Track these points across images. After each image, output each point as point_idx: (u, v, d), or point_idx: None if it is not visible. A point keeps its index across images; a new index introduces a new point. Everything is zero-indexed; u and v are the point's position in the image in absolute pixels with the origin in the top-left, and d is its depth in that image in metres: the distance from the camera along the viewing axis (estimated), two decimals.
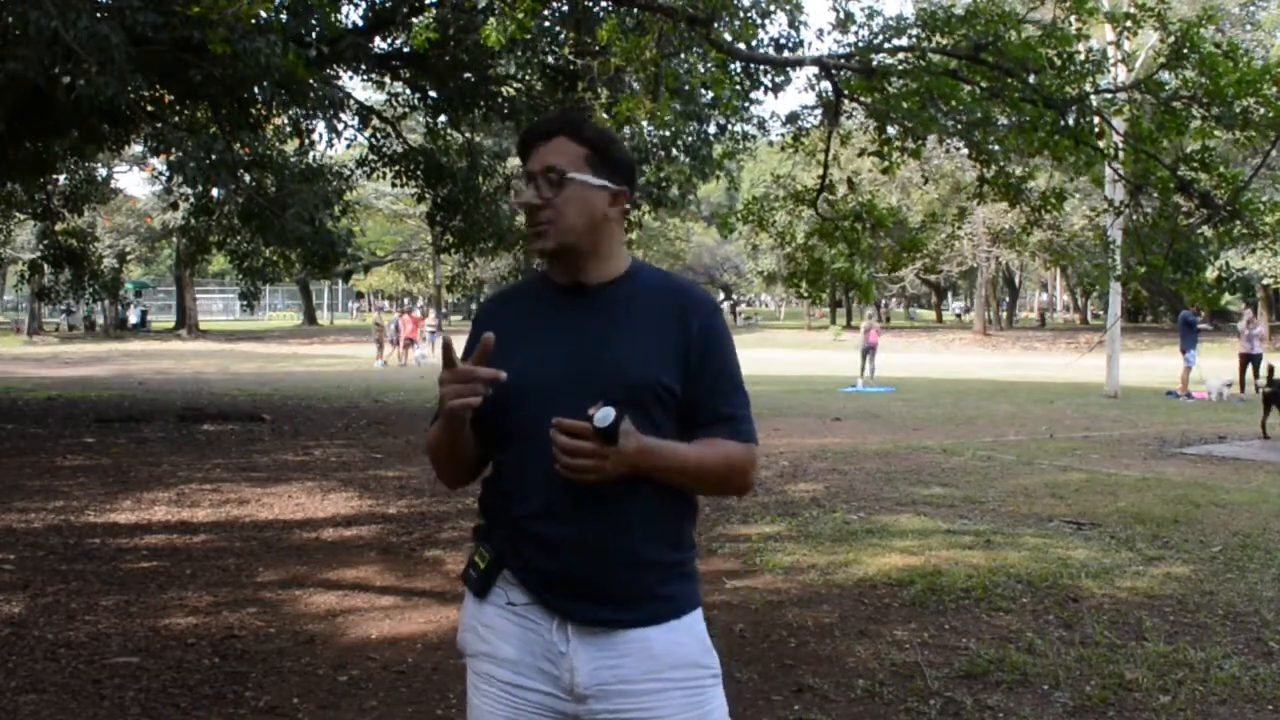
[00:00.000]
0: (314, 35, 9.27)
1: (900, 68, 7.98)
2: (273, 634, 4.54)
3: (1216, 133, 7.45)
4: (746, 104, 11.47)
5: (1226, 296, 27.33)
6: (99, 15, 7.60)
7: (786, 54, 10.27)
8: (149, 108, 10.94)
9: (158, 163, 16.02)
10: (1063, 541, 6.34)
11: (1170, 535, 6.52)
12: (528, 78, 12.62)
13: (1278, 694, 3.87)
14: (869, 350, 21.00)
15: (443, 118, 13.95)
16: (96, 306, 39.54)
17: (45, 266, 17.05)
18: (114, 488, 8.08)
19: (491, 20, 8.46)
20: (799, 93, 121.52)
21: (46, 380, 19.34)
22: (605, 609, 1.71)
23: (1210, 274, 8.72)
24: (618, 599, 1.71)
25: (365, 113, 14.21)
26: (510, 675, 1.73)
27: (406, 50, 12.49)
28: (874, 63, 8.11)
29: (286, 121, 13.21)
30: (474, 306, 40.80)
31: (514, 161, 15.75)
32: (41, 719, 3.63)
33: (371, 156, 14.38)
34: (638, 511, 1.72)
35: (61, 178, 16.17)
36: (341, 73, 12.79)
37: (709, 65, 8.35)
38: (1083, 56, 7.70)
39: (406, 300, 58.09)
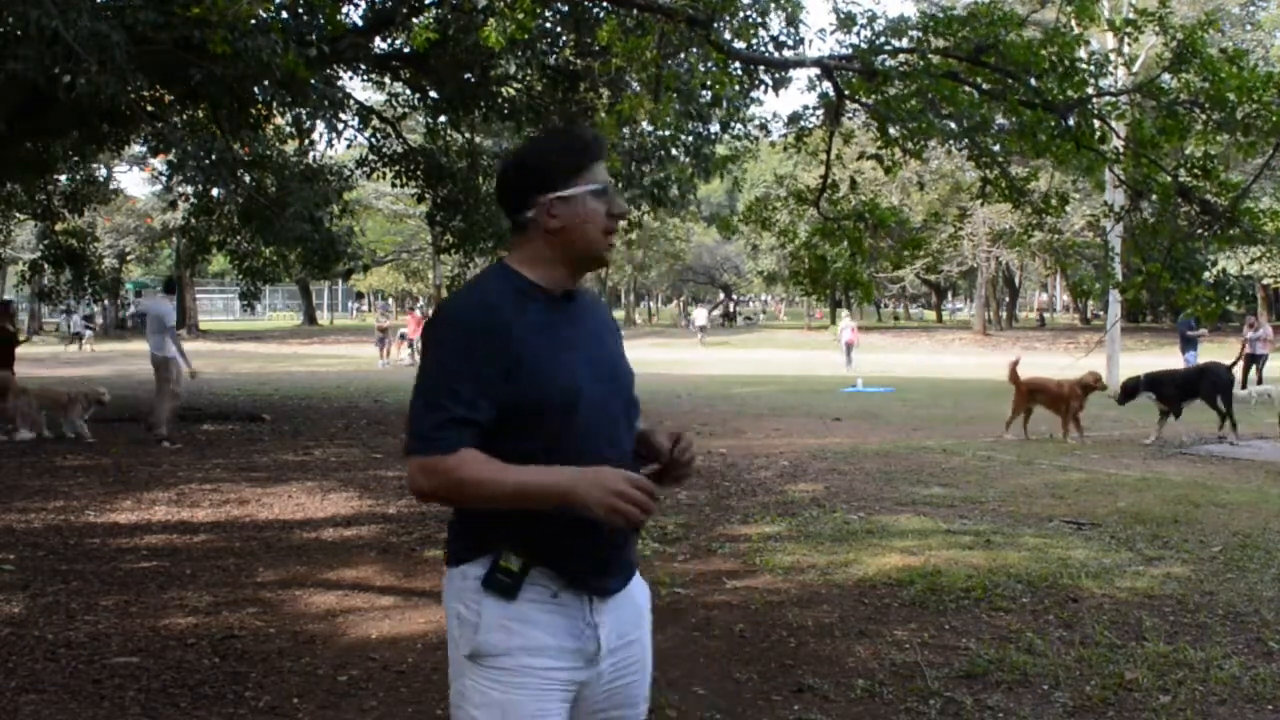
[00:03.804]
0: (315, 35, 9.26)
1: (901, 70, 7.97)
2: (273, 634, 4.54)
3: (1218, 138, 7.45)
4: (748, 103, 11.44)
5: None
6: (99, 14, 7.60)
7: (787, 53, 10.24)
8: (149, 108, 10.92)
9: (158, 163, 16.01)
10: (1063, 541, 6.33)
11: (1170, 535, 6.52)
12: (528, 78, 12.60)
13: (1278, 694, 3.87)
14: (847, 348, 22.33)
15: (443, 118, 13.92)
16: (96, 308, 39.49)
17: (45, 266, 17.01)
18: (114, 488, 8.08)
19: (491, 21, 8.47)
20: (801, 93, 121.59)
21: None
22: (624, 577, 1.93)
23: (1207, 277, 8.71)
24: (631, 565, 1.97)
25: (365, 113, 14.19)
26: (546, 661, 1.82)
27: (406, 50, 12.46)
28: (875, 64, 8.10)
29: (286, 121, 13.20)
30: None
31: None
32: (41, 719, 3.63)
33: (371, 156, 14.36)
34: None
35: (61, 178, 16.14)
36: (341, 73, 12.78)
37: (709, 65, 8.34)
38: (1084, 60, 7.70)
39: (408, 301, 57.99)
